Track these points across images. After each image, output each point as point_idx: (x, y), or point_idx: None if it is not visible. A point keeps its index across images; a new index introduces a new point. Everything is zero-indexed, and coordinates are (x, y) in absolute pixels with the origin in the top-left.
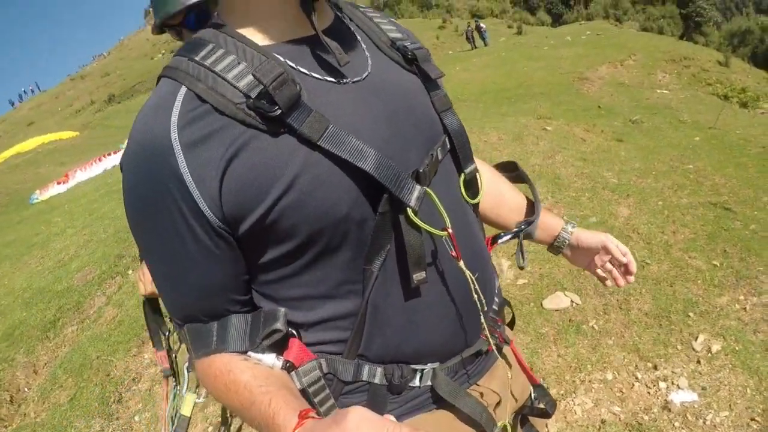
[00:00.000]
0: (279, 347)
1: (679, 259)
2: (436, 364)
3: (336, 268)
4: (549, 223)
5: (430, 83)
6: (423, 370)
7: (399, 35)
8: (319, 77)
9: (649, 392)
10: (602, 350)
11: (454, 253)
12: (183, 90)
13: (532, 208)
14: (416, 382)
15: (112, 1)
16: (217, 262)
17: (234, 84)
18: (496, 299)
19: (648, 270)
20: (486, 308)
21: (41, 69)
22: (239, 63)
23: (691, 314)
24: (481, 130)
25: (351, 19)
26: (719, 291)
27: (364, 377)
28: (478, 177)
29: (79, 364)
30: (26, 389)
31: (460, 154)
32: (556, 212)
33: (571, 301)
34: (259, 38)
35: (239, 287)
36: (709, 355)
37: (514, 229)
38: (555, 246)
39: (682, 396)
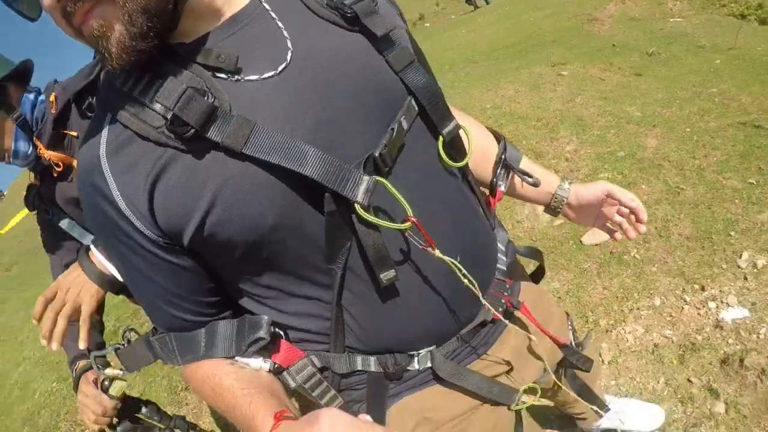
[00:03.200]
0: (268, 349)
1: (714, 182)
2: (432, 347)
3: (296, 268)
4: (544, 178)
5: (381, 41)
6: (419, 353)
7: None
8: (236, 78)
9: (699, 313)
10: (647, 278)
11: (422, 245)
12: (108, 118)
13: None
14: (414, 366)
15: None
16: (174, 272)
17: (151, 108)
18: (503, 258)
19: (684, 195)
20: (482, 279)
21: None
22: (154, 81)
23: (732, 233)
24: (496, 85)
25: None
26: (759, 208)
27: (359, 367)
28: (462, 134)
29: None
30: None
31: (431, 114)
32: (551, 171)
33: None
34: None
35: (208, 292)
36: (756, 270)
37: (498, 168)
38: (552, 206)
39: (733, 313)
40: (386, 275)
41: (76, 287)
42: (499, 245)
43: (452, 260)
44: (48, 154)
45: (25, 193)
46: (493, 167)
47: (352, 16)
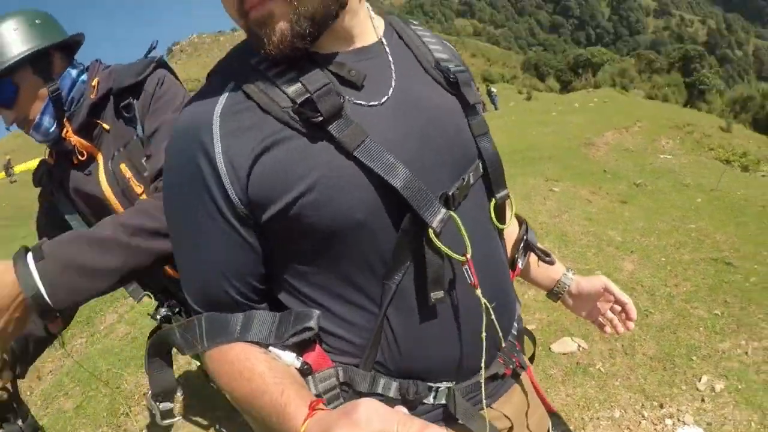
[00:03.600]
0: (300, 349)
1: (682, 309)
2: (451, 383)
3: (353, 274)
4: (551, 267)
5: (469, 107)
6: (438, 388)
7: (444, 56)
8: (352, 99)
9: (655, 428)
10: (609, 390)
11: (471, 281)
12: (231, 86)
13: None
14: (430, 400)
15: (137, 45)
16: (239, 246)
17: (283, 89)
18: (516, 325)
19: (651, 318)
20: (502, 334)
21: None
22: (291, 70)
23: (694, 358)
24: None
25: (401, 37)
26: (721, 337)
27: (380, 390)
28: (508, 204)
29: (87, 374)
30: (28, 393)
31: (492, 179)
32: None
33: (578, 346)
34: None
35: (259, 277)
36: (713, 393)
37: (519, 245)
38: (555, 291)
39: (688, 431)
40: (436, 294)
41: None
42: (516, 311)
43: (487, 303)
44: (75, 140)
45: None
46: (514, 244)
47: (453, 81)
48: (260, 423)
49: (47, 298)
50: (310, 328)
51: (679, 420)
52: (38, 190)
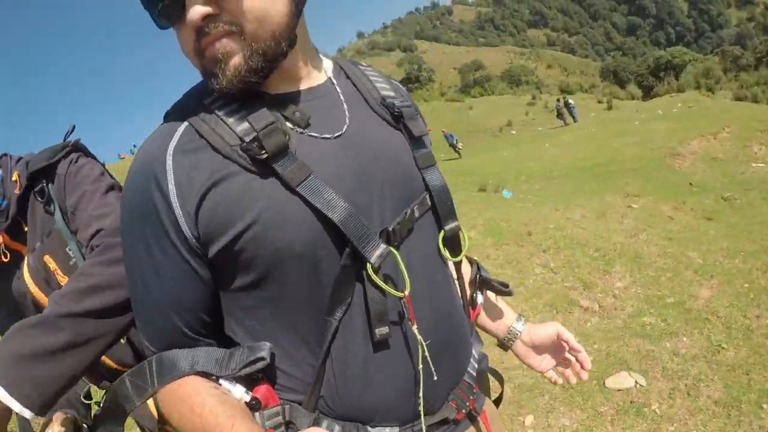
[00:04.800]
0: (249, 384)
1: (760, 346)
2: (395, 428)
3: (296, 309)
4: (503, 310)
5: (415, 141)
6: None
7: (390, 93)
8: (302, 131)
9: None
10: None
11: (408, 317)
12: (185, 125)
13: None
14: None
15: None
16: (190, 279)
17: (232, 128)
18: (475, 365)
19: (723, 355)
20: (456, 374)
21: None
22: (240, 109)
23: (765, 406)
24: (566, 207)
25: (348, 77)
26: None
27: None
28: (461, 236)
29: None
30: None
31: (440, 211)
32: (511, 306)
33: (636, 382)
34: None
35: (209, 311)
36: None
37: (475, 282)
38: (505, 338)
39: None
40: (381, 330)
41: None
42: (473, 352)
43: (422, 340)
44: (3, 239)
45: None
46: (470, 283)
47: (397, 115)
48: None
49: (15, 401)
50: (262, 359)
51: None
52: None
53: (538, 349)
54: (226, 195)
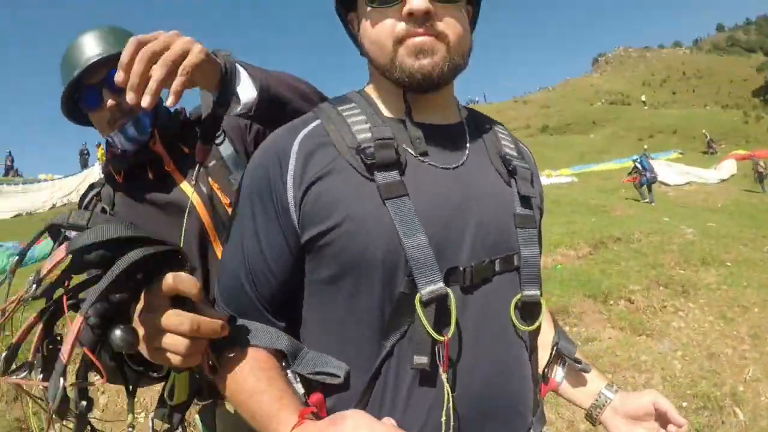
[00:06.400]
0: (308, 389)
1: None
2: None
3: (365, 321)
4: (591, 376)
5: (524, 201)
6: None
7: (513, 153)
8: (420, 158)
9: None
10: None
11: (441, 364)
12: (317, 121)
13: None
14: None
15: (565, 44)
16: (281, 252)
17: (354, 134)
18: None
19: None
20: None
21: (489, 85)
22: (366, 122)
23: None
24: None
25: (477, 126)
26: None
27: None
28: (541, 307)
29: None
30: None
31: (523, 275)
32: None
33: None
34: (383, 109)
35: (283, 286)
36: None
37: (551, 353)
38: (593, 406)
39: None
40: (419, 359)
41: (182, 39)
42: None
43: (449, 389)
44: (161, 150)
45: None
46: (548, 354)
47: (511, 171)
48: (250, 417)
49: (251, 80)
50: (335, 375)
51: None
52: None
53: (630, 418)
54: (330, 187)
